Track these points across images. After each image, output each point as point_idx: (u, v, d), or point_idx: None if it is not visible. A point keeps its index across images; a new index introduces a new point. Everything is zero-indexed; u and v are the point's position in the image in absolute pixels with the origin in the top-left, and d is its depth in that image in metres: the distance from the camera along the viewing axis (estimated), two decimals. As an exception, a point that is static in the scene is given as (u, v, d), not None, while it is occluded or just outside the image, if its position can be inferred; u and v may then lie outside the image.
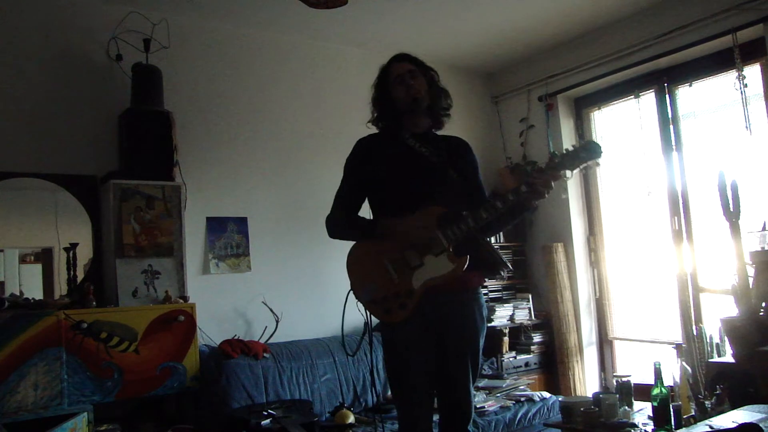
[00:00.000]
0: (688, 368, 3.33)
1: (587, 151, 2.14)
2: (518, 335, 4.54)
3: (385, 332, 2.26)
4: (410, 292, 2.15)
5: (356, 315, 2.40)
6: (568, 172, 2.21)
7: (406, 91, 2.29)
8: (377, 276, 2.19)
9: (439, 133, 2.43)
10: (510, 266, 2.37)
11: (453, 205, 2.20)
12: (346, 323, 2.50)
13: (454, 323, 2.23)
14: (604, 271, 4.64)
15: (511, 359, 4.36)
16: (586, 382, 4.50)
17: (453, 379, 2.24)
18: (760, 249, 3.15)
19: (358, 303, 2.25)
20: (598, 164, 2.20)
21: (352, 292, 2.25)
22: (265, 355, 3.45)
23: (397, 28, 4.15)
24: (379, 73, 2.41)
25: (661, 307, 4.21)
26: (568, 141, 4.59)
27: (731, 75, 3.71)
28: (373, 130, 2.44)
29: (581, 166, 2.18)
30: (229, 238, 3.80)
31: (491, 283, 4.61)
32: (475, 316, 2.27)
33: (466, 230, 2.13)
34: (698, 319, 3.88)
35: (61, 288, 3.25)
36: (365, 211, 2.39)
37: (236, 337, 3.58)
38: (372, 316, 2.25)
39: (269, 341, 3.66)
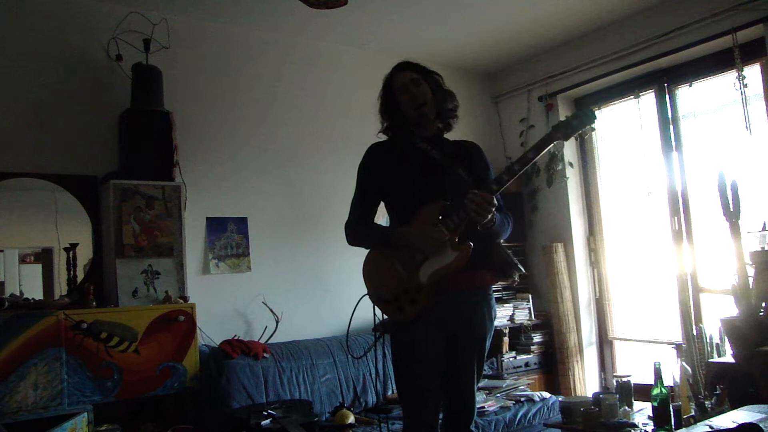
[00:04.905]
0: (688, 368, 3.33)
1: (579, 119, 2.17)
2: (518, 335, 4.54)
3: (396, 331, 2.26)
4: (419, 287, 2.17)
5: (359, 315, 2.41)
6: (561, 142, 2.24)
7: (410, 99, 2.30)
8: (388, 276, 2.22)
9: (451, 137, 2.44)
10: (523, 269, 2.35)
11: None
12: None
13: (465, 322, 2.23)
14: (604, 271, 4.64)
15: (511, 359, 4.36)
16: (586, 382, 4.50)
17: (459, 378, 2.25)
18: (760, 249, 3.15)
19: (374, 306, 2.28)
20: (593, 129, 2.23)
21: (368, 296, 2.28)
22: (265, 355, 3.45)
23: (396, 28, 4.15)
24: (383, 84, 2.41)
25: (661, 307, 4.21)
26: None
27: (731, 75, 3.72)
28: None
29: (575, 135, 2.21)
30: (229, 238, 3.80)
31: (491, 283, 4.60)
32: (484, 316, 2.28)
33: (465, 216, 2.12)
34: (698, 319, 3.88)
35: (61, 288, 3.25)
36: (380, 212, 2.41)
37: (236, 337, 3.58)
38: (384, 315, 2.26)
39: (269, 341, 3.66)
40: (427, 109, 2.31)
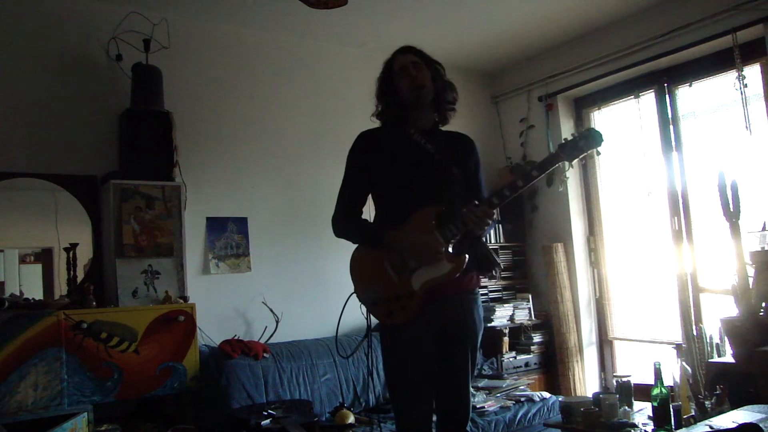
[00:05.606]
0: (688, 368, 3.33)
1: (586, 140, 2.11)
2: (518, 335, 4.54)
3: (386, 333, 2.25)
4: (410, 294, 2.14)
5: (355, 315, 2.40)
6: (566, 164, 2.20)
7: (409, 81, 2.25)
8: (379, 278, 2.18)
9: (445, 129, 2.39)
10: (502, 266, 2.35)
11: (453, 202, 2.17)
12: (345, 324, 2.50)
13: (455, 324, 2.22)
14: (604, 271, 4.64)
15: (511, 359, 4.36)
16: (586, 382, 4.50)
17: (452, 379, 2.24)
18: (760, 249, 3.15)
19: (361, 305, 2.25)
20: (598, 152, 2.18)
21: (354, 294, 2.25)
22: (265, 355, 3.45)
23: (397, 28, 4.15)
24: (383, 67, 2.36)
25: (661, 307, 4.21)
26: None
27: (731, 75, 3.71)
28: (377, 123, 2.40)
29: (581, 156, 2.16)
30: (229, 238, 3.80)
31: (491, 284, 4.60)
32: (474, 315, 2.27)
33: (463, 227, 2.11)
34: (698, 319, 3.88)
35: (61, 288, 3.25)
36: (369, 205, 2.36)
37: (236, 337, 3.58)
38: (373, 317, 2.24)
39: (269, 341, 3.66)
40: (425, 92, 2.25)
